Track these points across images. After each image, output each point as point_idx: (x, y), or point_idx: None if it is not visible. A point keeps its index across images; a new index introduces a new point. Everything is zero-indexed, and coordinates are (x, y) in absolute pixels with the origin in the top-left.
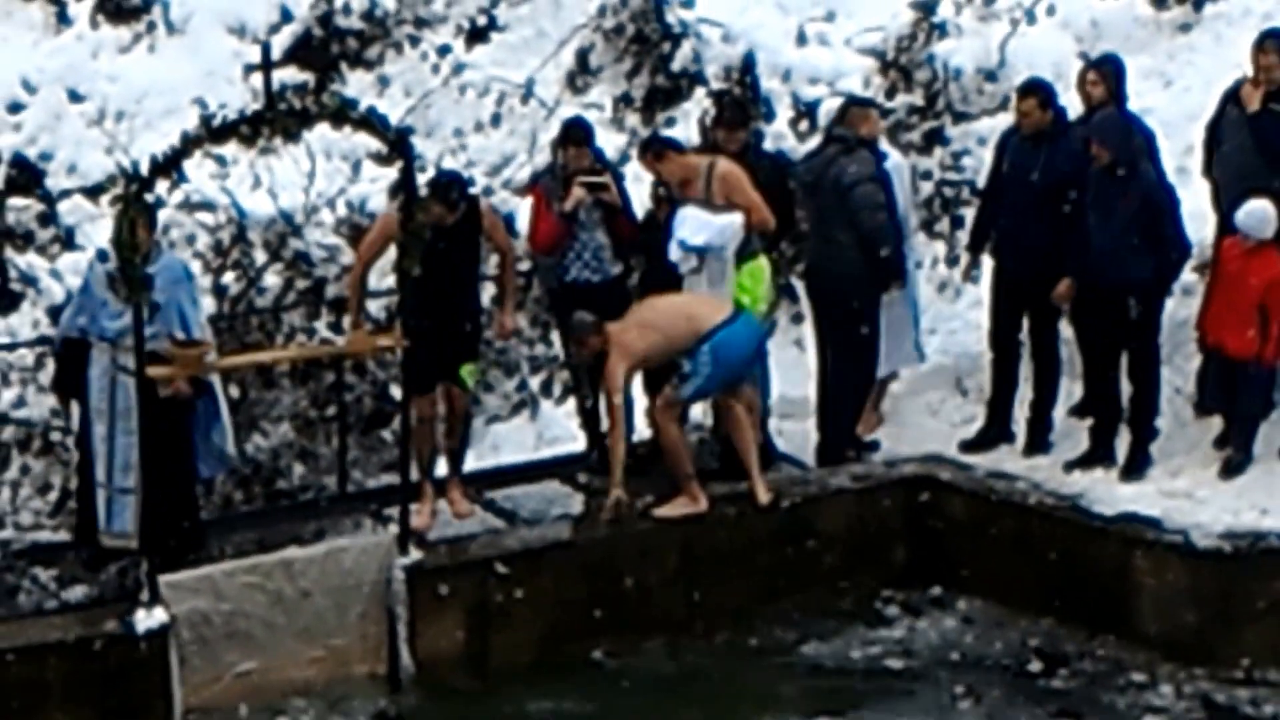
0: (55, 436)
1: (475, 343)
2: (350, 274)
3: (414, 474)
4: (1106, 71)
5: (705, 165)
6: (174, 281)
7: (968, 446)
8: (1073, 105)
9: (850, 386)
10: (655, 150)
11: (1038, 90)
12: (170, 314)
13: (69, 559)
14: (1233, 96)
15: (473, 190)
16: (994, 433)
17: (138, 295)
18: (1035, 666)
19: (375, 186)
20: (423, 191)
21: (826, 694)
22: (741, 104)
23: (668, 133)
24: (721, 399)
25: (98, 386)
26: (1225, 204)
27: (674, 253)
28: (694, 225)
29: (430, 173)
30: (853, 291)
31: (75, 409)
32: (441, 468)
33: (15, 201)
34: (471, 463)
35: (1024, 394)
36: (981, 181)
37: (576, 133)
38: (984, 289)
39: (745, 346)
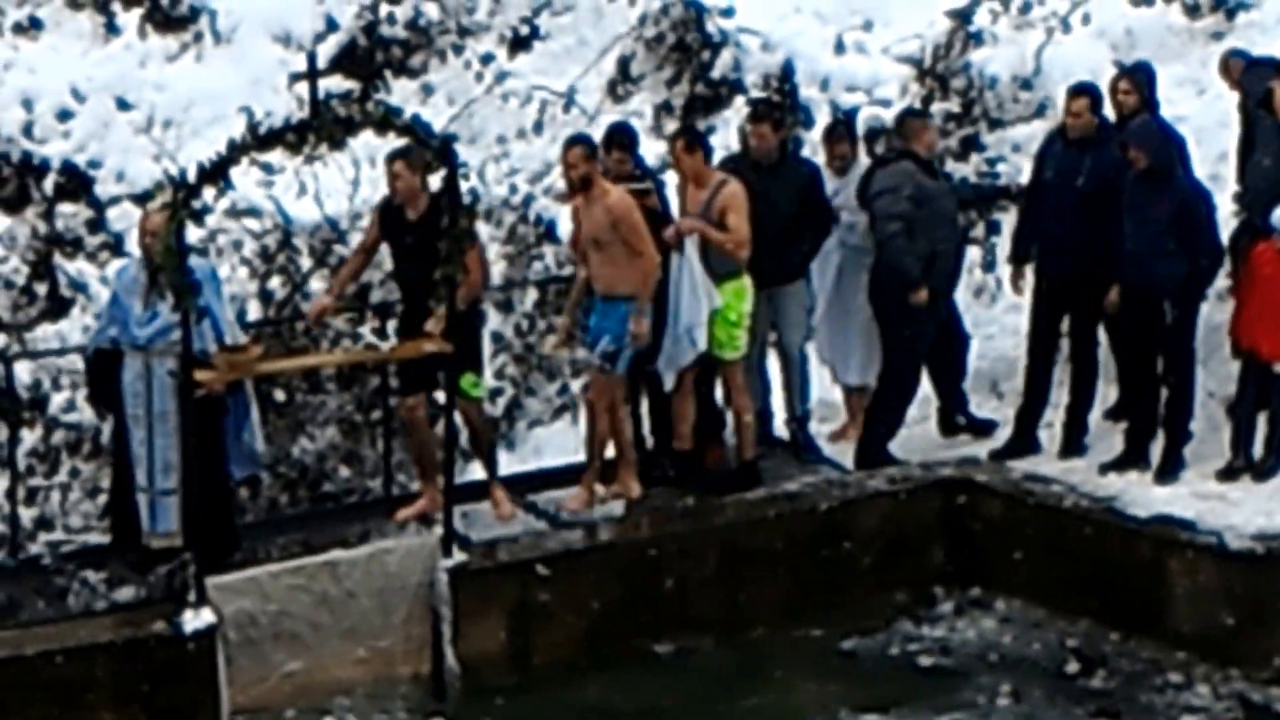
0: (104, 440)
1: (471, 352)
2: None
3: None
4: (1139, 80)
5: (717, 180)
6: (203, 284)
7: (996, 456)
8: (1107, 113)
9: (894, 390)
10: (689, 141)
11: (1090, 91)
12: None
13: (117, 561)
14: (1264, 103)
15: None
16: (1021, 444)
17: (186, 302)
18: (1073, 667)
19: None
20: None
21: (869, 692)
22: (773, 103)
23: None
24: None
25: (131, 393)
26: (1257, 210)
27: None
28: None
29: (474, 180)
30: (890, 298)
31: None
32: (480, 473)
33: (65, 208)
34: (514, 466)
35: (1060, 398)
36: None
37: (621, 137)
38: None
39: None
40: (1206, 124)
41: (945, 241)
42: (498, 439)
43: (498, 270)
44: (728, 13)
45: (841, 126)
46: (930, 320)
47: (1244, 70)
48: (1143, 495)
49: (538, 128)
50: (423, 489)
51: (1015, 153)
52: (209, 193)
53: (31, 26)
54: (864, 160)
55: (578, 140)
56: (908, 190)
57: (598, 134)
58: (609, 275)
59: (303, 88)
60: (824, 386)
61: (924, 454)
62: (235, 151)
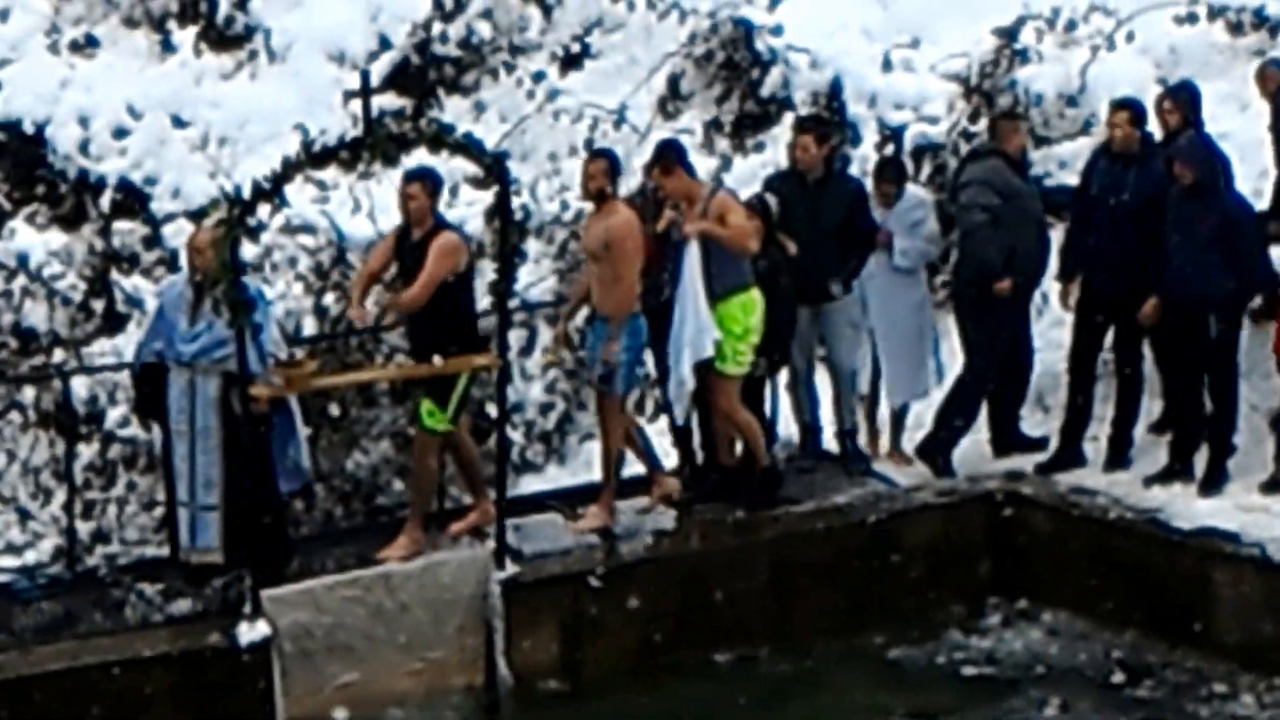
0: (160, 454)
1: (443, 380)
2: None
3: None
4: (1182, 99)
5: (708, 190)
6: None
7: (1042, 469)
8: (1153, 130)
9: (971, 385)
10: (665, 166)
11: (1131, 105)
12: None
13: (173, 573)
14: None
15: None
16: (1066, 457)
17: (240, 318)
18: (1119, 677)
19: (472, 210)
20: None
21: (918, 702)
22: (818, 117)
23: (758, 158)
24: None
25: (176, 408)
26: None
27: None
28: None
29: (526, 197)
30: (971, 290)
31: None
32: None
33: (121, 225)
34: (564, 480)
35: (1105, 411)
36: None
37: (670, 154)
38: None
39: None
40: (1249, 141)
41: (1028, 241)
42: (549, 454)
43: (548, 286)
44: (776, 31)
45: (891, 167)
46: (1010, 316)
47: None
48: (1187, 508)
49: (589, 145)
50: (474, 502)
51: (1061, 169)
52: (264, 209)
53: (88, 44)
54: (911, 189)
55: (602, 154)
56: (996, 183)
57: (647, 149)
58: (598, 292)
59: (356, 105)
60: None
61: (971, 467)
62: (290, 168)
